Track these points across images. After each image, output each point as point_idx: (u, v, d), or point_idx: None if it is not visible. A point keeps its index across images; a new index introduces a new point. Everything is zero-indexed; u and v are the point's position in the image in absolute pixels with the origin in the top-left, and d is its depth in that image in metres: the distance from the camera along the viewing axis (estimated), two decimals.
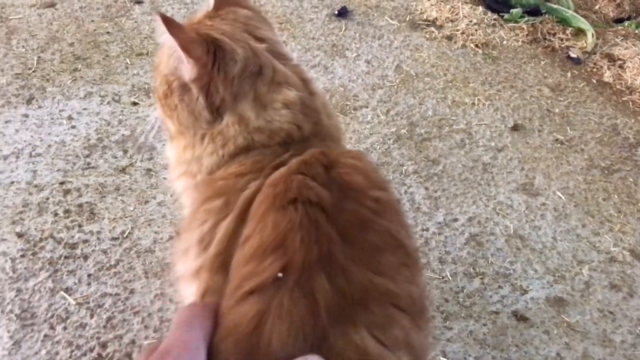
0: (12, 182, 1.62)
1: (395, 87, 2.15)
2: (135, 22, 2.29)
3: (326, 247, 0.64)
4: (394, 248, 0.70)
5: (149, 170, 1.69)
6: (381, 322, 0.63)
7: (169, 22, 0.78)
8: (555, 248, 1.65)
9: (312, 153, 0.77)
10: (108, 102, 1.91)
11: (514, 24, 2.59)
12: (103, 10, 2.34)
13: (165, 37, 0.80)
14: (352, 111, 2.01)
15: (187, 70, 0.81)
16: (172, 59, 0.83)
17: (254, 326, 0.59)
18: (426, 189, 1.75)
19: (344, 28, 2.42)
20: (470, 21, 2.55)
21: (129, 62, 2.08)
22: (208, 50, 0.80)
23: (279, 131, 0.83)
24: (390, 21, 2.50)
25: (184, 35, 0.79)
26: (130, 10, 2.36)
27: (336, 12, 2.49)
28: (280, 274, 0.62)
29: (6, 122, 1.80)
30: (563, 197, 1.81)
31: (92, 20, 2.27)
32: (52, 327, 1.29)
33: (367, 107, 2.04)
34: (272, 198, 0.69)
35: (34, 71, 2.00)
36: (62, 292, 1.36)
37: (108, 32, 2.22)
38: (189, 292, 0.76)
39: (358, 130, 1.93)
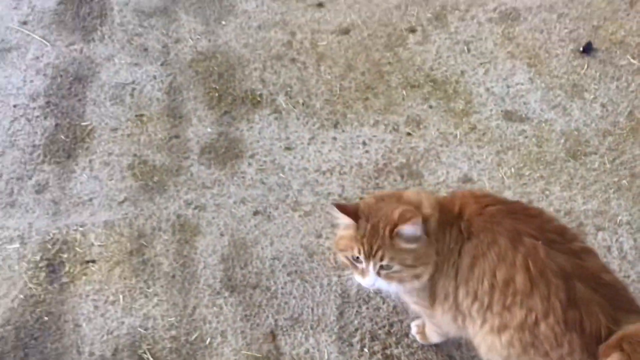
0: (329, 193, 2.39)
1: (625, 134, 2.51)
2: (410, 52, 2.89)
3: None
4: None
5: None
6: None
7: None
8: None
9: None
10: (390, 131, 2.58)
11: None
12: (385, 38, 2.96)
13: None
14: (582, 157, 2.45)
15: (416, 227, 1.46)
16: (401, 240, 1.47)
17: None
18: (635, 240, 2.17)
19: (586, 66, 2.77)
20: None
21: (405, 94, 2.71)
22: None
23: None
24: (632, 60, 2.77)
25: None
26: (405, 40, 2.95)
27: (581, 49, 2.83)
28: None
29: (322, 142, 2.56)
30: None
31: (377, 49, 2.92)
32: None
33: (595, 154, 2.45)
34: None
35: (337, 97, 2.72)
36: None
37: (389, 63, 2.85)
38: None
39: (584, 177, 2.38)
